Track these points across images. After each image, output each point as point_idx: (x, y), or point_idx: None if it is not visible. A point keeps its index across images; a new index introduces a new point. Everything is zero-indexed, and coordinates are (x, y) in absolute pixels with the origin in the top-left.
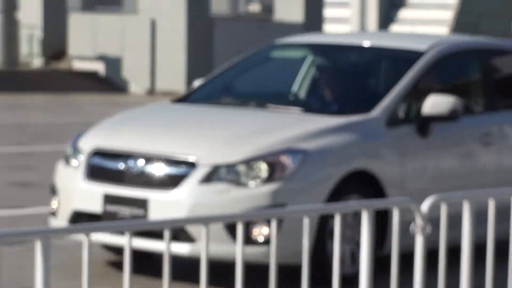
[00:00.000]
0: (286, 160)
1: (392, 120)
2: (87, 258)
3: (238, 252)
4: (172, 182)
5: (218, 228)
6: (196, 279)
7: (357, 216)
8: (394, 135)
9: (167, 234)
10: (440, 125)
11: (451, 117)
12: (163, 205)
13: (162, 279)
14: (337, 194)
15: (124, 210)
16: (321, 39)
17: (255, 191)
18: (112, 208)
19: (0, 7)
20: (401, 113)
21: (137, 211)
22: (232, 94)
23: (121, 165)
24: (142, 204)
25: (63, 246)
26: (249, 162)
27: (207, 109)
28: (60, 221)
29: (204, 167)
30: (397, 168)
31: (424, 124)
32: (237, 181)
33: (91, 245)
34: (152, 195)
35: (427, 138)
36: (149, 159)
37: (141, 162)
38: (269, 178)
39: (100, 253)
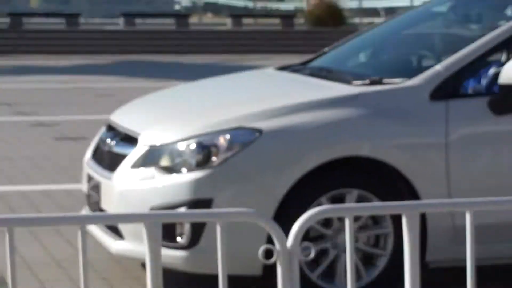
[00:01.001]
0: (223, 142)
1: (444, 92)
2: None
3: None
4: (117, 164)
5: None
6: None
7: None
8: (442, 111)
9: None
10: None
11: None
12: (106, 191)
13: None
14: (315, 187)
15: (92, 193)
16: None
17: (177, 180)
18: (90, 190)
19: None
20: (463, 83)
21: (96, 196)
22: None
23: (101, 142)
24: (98, 187)
25: None
26: (182, 144)
27: (270, 79)
28: None
29: (143, 147)
30: (437, 156)
31: (497, 98)
32: (167, 167)
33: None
34: (103, 179)
35: (502, 116)
36: (114, 135)
37: (110, 139)
38: (200, 165)
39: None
